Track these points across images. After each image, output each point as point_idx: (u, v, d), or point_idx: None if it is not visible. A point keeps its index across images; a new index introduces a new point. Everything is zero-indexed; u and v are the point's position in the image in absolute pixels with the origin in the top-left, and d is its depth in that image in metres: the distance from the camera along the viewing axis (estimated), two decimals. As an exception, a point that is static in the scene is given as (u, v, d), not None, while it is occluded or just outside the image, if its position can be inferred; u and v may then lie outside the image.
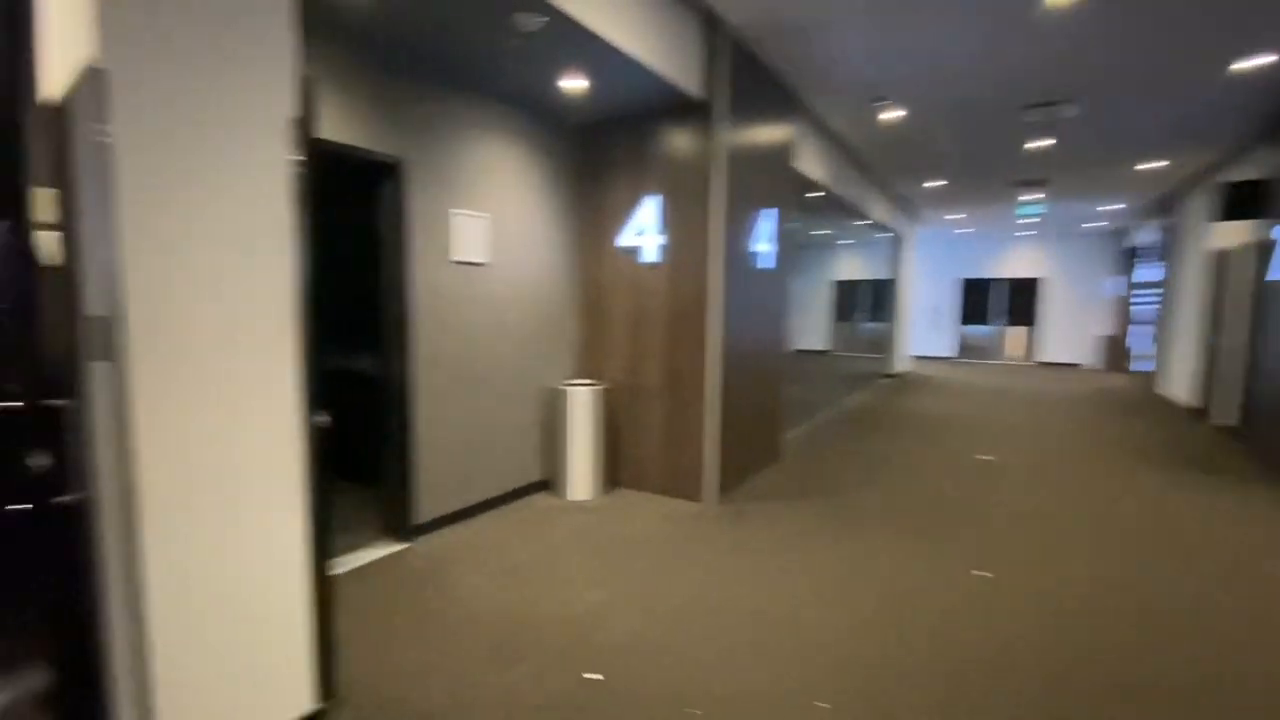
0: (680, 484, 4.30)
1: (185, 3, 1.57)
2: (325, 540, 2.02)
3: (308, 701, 1.98)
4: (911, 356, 13.22)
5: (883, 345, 11.14)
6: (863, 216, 8.62)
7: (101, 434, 1.62)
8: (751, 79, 4.30)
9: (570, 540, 3.59)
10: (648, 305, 4.34)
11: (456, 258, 3.64)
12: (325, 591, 2.03)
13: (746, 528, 3.81)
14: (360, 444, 3.58)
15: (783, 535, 3.70)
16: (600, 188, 4.49)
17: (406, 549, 3.42)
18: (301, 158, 1.82)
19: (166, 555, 1.63)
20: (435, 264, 3.52)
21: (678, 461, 4.29)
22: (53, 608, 1.70)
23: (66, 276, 1.65)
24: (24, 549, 1.70)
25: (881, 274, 10.66)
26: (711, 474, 4.20)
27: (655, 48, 3.43)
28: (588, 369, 4.64)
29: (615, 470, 4.52)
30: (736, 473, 4.52)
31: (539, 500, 4.28)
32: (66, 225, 1.66)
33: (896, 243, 11.17)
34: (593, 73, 3.51)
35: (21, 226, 1.50)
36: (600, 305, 4.57)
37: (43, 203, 1.64)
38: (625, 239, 4.39)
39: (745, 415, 4.58)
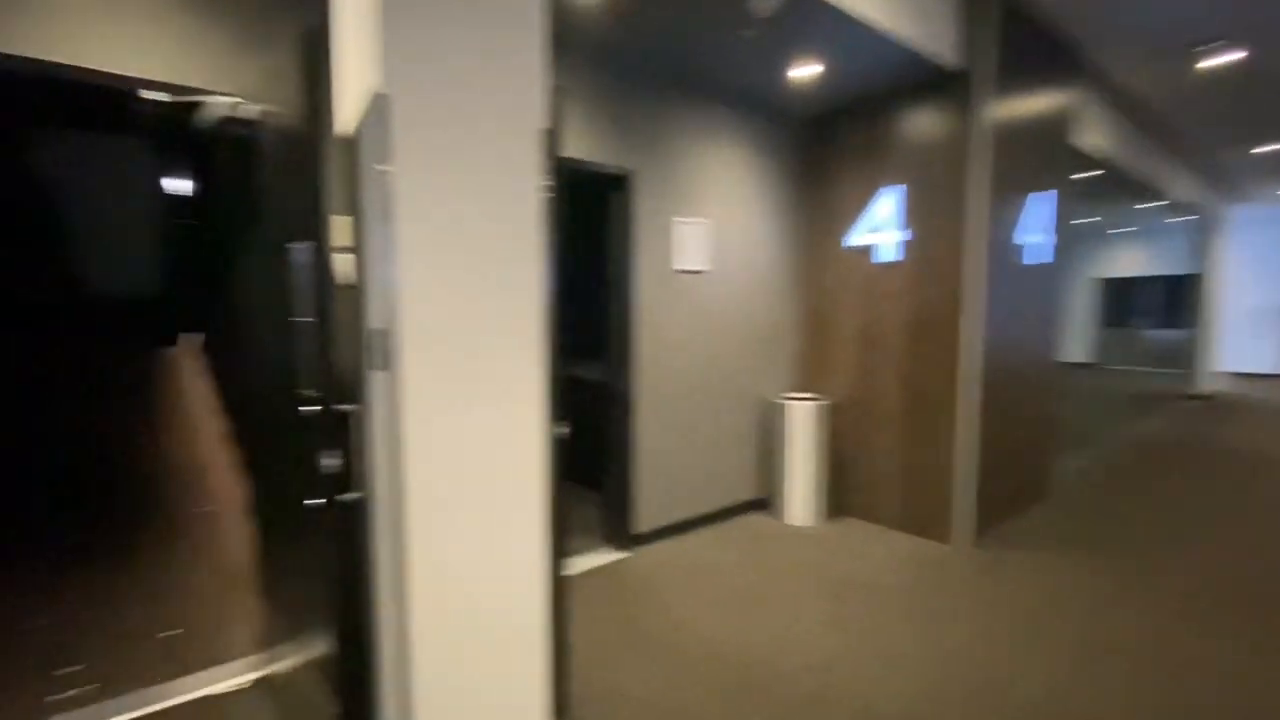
0: (923, 519, 3.71)
1: (458, 23, 1.61)
2: (561, 551, 2.00)
3: (543, 714, 1.96)
4: (1226, 373, 10.30)
5: (1180, 358, 8.84)
6: (1155, 196, 6.89)
7: (378, 438, 1.76)
8: (1021, 38, 3.57)
9: (794, 571, 3.27)
10: (883, 310, 3.83)
11: (678, 266, 3.55)
12: (561, 602, 2.01)
13: (1013, 583, 3.12)
14: (583, 448, 3.67)
15: (1064, 599, 2.95)
16: (827, 184, 4.10)
17: (625, 559, 3.40)
18: (551, 174, 1.81)
19: (426, 554, 1.70)
20: (657, 273, 3.47)
21: (920, 493, 3.71)
22: (339, 590, 1.88)
23: (356, 294, 1.83)
24: (320, 537, 1.91)
25: (1176, 267, 8.47)
26: (964, 511, 3.55)
27: (904, 14, 2.97)
28: (809, 382, 4.26)
29: (840, 495, 4.07)
30: (995, 511, 3.77)
31: (754, 521, 4.02)
32: (357, 247, 1.84)
33: (1203, 227, 8.79)
34: (829, 54, 3.17)
35: (322, 249, 1.66)
36: (824, 312, 4.17)
37: (339, 228, 1.83)
38: (856, 238, 3.94)
39: (1007, 442, 3.82)
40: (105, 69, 1.96)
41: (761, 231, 4.03)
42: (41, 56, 1.88)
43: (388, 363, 1.61)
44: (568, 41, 2.93)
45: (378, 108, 1.53)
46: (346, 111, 1.82)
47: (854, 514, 4.05)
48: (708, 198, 3.70)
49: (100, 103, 2.11)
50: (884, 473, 3.88)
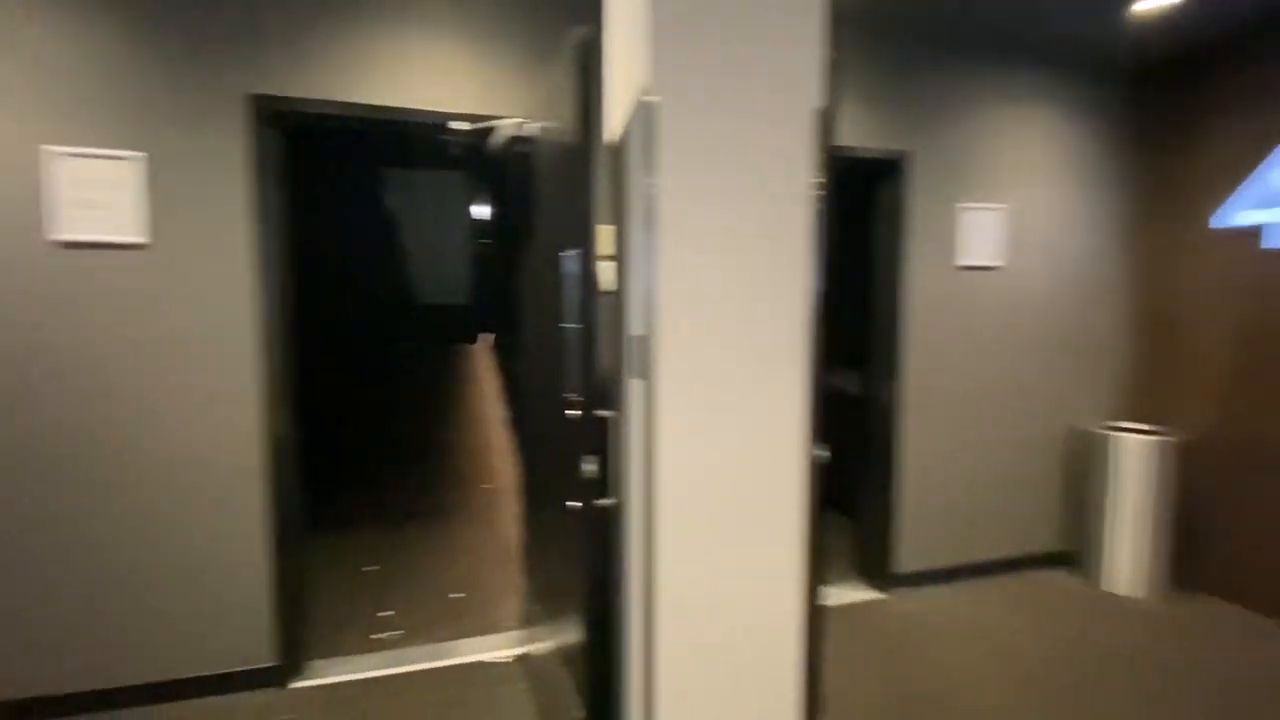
0: (1344, 618, 2.57)
1: (729, 17, 1.50)
2: (818, 585, 1.78)
3: (792, 772, 1.74)
4: None
5: None
6: None
7: (634, 446, 1.73)
8: None
9: (1122, 657, 2.50)
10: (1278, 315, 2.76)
11: (962, 262, 3.00)
12: (817, 641, 1.80)
13: None
14: (836, 468, 3.33)
15: None
16: (1181, 147, 3.11)
17: (882, 600, 2.98)
18: (822, 165, 1.59)
19: (675, 569, 1.63)
20: (935, 270, 2.97)
21: (1339, 579, 2.58)
22: (590, 589, 1.91)
23: (617, 301, 1.82)
24: (576, 533, 1.96)
25: None
26: None
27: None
28: (1145, 409, 3.29)
29: (1190, 563, 3.05)
30: None
31: (1055, 580, 3.22)
32: (620, 254, 1.84)
33: None
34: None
35: (588, 257, 1.68)
36: (1173, 317, 3.16)
37: (604, 237, 1.84)
38: (1232, 215, 2.90)
39: None
40: (427, 108, 2.29)
41: (1076, 215, 3.21)
42: (387, 104, 2.26)
43: (645, 371, 1.56)
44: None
45: (642, 112, 1.48)
46: (614, 119, 1.82)
47: (1211, 590, 3.00)
48: (1003, 178, 3.06)
49: (427, 142, 2.47)
50: (1271, 541, 2.79)
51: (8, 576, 2.04)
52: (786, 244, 1.58)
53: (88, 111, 2.00)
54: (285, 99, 2.14)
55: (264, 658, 2.26)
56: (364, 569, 3.28)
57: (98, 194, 2.02)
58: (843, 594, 3.02)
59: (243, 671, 2.24)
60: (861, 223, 3.09)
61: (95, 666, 2.12)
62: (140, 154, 2.04)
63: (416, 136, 2.32)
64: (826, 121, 1.61)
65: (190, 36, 2.07)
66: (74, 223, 2.01)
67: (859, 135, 2.81)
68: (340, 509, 4.09)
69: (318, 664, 2.43)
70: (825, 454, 1.75)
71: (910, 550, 3.06)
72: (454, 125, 2.25)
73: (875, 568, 3.07)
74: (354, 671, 2.40)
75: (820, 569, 1.82)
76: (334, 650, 2.53)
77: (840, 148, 2.78)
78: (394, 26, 2.25)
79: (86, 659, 2.11)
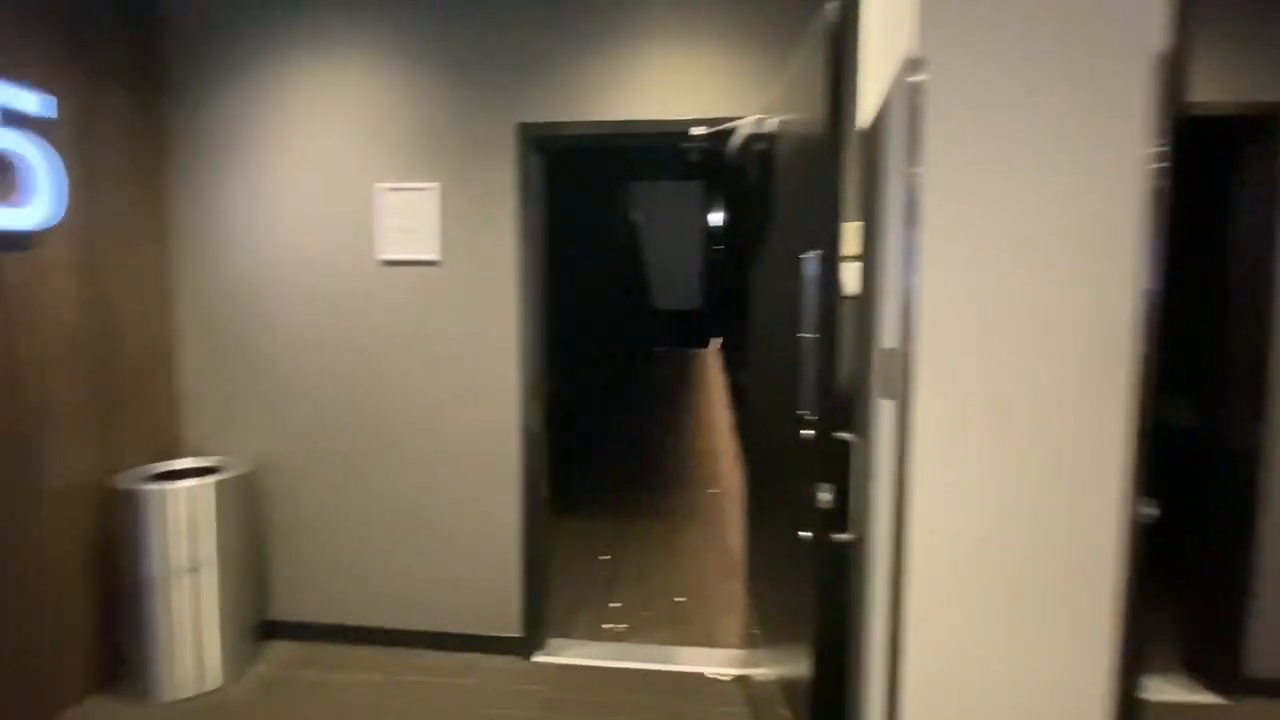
0: None
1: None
2: (1137, 678, 1.38)
3: None
4: None
5: None
6: None
7: (881, 478, 1.50)
8: None
9: None
10: None
11: (1390, 251, 2.09)
12: None
13: None
14: (1158, 522, 2.58)
15: None
16: None
17: (1224, 705, 2.22)
18: (1166, 130, 1.20)
19: (928, 627, 1.38)
20: (1337, 264, 2.12)
21: None
22: (820, 626, 1.72)
23: (863, 308, 1.61)
24: (806, 560, 1.79)
25: None
26: None
27: None
28: None
29: None
30: None
31: None
32: (867, 255, 1.62)
33: None
34: None
35: (831, 259, 1.49)
36: None
37: (850, 236, 1.65)
38: None
39: None
40: (668, 117, 2.32)
41: None
42: (631, 118, 2.34)
43: (899, 390, 1.34)
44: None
45: (905, 87, 1.25)
46: (867, 103, 1.62)
47: None
48: None
49: (669, 151, 2.51)
50: None
51: (328, 529, 2.57)
52: (1106, 232, 1.21)
53: (402, 150, 2.43)
54: (545, 124, 2.35)
55: (512, 628, 2.51)
56: (599, 558, 3.49)
57: (408, 220, 2.44)
58: (1160, 690, 2.32)
59: (493, 637, 2.51)
60: (1213, 201, 2.34)
61: (384, 608, 2.57)
62: (436, 184, 2.41)
63: (659, 146, 2.37)
64: (1174, 70, 1.20)
65: (470, 76, 2.38)
66: (392, 244, 2.45)
67: (1210, 87, 2.12)
68: (577, 500, 4.43)
69: (555, 642, 2.62)
70: (1154, 512, 1.32)
71: (1272, 648, 2.23)
72: (694, 131, 2.24)
73: (1213, 664, 2.30)
74: (586, 657, 2.54)
75: (1140, 657, 1.39)
76: (569, 631, 2.71)
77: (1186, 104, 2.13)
78: (636, 43, 2.32)
79: (379, 601, 2.57)
